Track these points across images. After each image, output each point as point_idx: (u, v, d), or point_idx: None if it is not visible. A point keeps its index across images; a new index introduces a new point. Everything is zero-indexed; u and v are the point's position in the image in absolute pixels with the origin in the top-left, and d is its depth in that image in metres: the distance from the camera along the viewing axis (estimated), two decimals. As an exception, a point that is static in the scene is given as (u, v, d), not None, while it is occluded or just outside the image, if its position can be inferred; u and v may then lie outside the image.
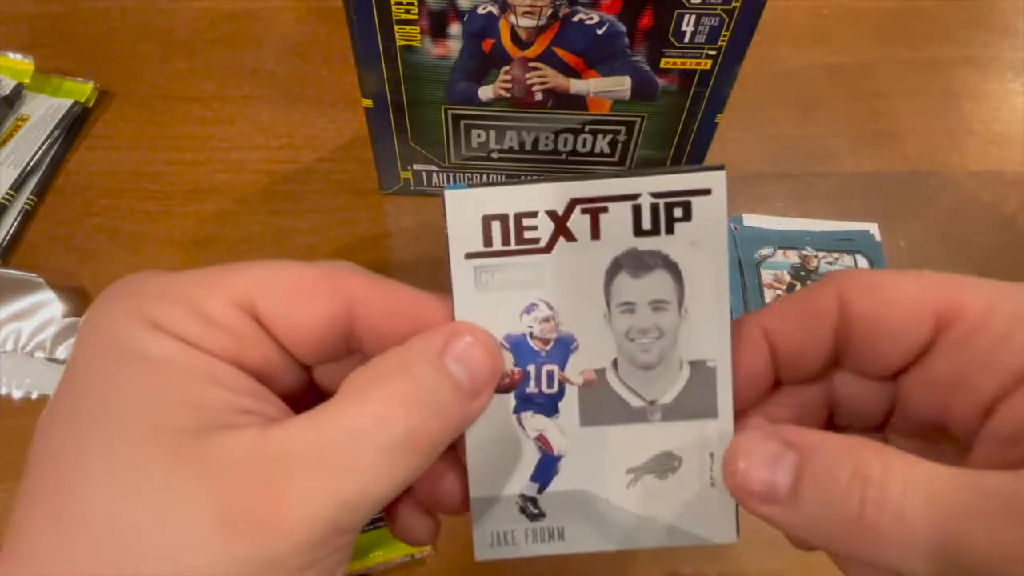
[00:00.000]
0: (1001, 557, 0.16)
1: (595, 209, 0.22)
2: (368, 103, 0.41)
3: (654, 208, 0.22)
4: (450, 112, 0.41)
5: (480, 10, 0.36)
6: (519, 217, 0.22)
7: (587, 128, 0.42)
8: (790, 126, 0.53)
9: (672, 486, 0.23)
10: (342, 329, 0.21)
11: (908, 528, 0.17)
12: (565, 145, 0.43)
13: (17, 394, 0.40)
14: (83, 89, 0.51)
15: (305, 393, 0.23)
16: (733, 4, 0.35)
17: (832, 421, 0.25)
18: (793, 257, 0.45)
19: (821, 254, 0.45)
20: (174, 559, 0.17)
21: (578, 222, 0.22)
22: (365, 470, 0.18)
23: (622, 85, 0.39)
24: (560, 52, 0.38)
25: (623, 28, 0.36)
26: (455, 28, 0.37)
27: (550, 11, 0.36)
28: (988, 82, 0.56)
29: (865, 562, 0.19)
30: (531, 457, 0.23)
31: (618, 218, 0.22)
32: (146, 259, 0.45)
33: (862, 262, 0.45)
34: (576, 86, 0.39)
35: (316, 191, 0.48)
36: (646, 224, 0.22)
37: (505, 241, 0.22)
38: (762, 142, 0.52)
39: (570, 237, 0.22)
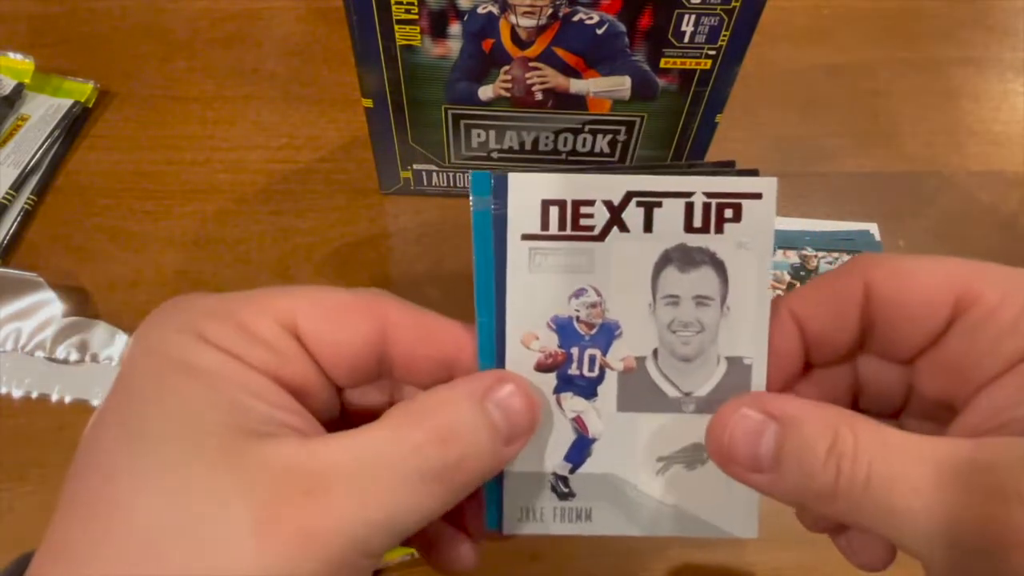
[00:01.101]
0: (977, 528, 0.18)
1: (650, 203, 0.23)
2: (368, 103, 0.41)
3: (706, 207, 0.23)
4: (450, 112, 0.41)
5: (480, 10, 0.36)
6: (576, 204, 0.23)
7: (587, 128, 0.42)
8: (790, 126, 0.53)
9: (699, 477, 0.24)
10: (376, 351, 0.22)
11: (878, 500, 0.19)
12: (565, 145, 0.43)
13: (17, 393, 0.40)
14: (83, 89, 0.51)
15: (335, 416, 0.24)
16: (733, 4, 0.35)
17: (857, 406, 0.25)
18: (793, 257, 0.45)
19: (821, 254, 0.46)
20: (210, 557, 0.18)
21: (632, 214, 0.23)
22: (397, 494, 0.19)
23: (622, 85, 0.39)
24: (560, 52, 0.38)
25: (623, 28, 0.36)
26: (455, 28, 0.37)
27: (550, 11, 0.36)
28: (988, 82, 0.56)
29: (848, 524, 0.20)
30: (566, 437, 0.24)
31: (671, 213, 0.23)
32: (146, 259, 0.45)
33: (862, 262, 0.45)
34: (576, 86, 0.39)
35: (316, 191, 0.48)
36: (697, 222, 0.23)
37: (561, 226, 0.23)
38: (762, 142, 0.52)
39: (623, 228, 0.23)
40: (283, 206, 0.48)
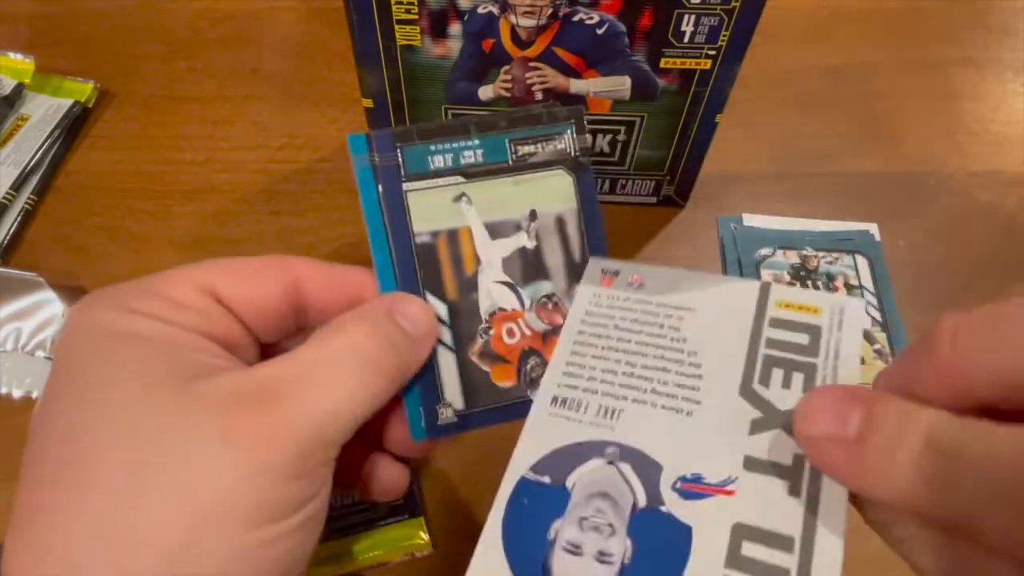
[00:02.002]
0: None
1: None
2: (368, 103, 0.41)
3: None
4: (450, 112, 0.41)
5: (480, 10, 0.36)
6: None
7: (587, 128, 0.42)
8: (790, 126, 0.53)
9: None
10: (291, 302, 0.24)
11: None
12: (565, 145, 0.43)
13: (17, 393, 0.40)
14: (83, 89, 0.51)
15: None
16: (733, 4, 0.35)
17: None
18: (793, 257, 0.45)
19: (821, 254, 0.46)
20: (186, 474, 0.19)
21: None
22: (344, 385, 0.22)
23: (622, 85, 0.39)
24: (560, 52, 0.38)
25: (623, 28, 0.36)
26: (455, 28, 0.37)
27: (550, 11, 0.36)
28: (988, 82, 0.56)
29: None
30: None
31: None
32: (146, 259, 0.45)
33: (862, 262, 0.45)
34: (576, 86, 0.39)
35: (316, 191, 0.48)
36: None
37: None
38: (762, 142, 0.52)
39: None
40: (283, 206, 0.48)
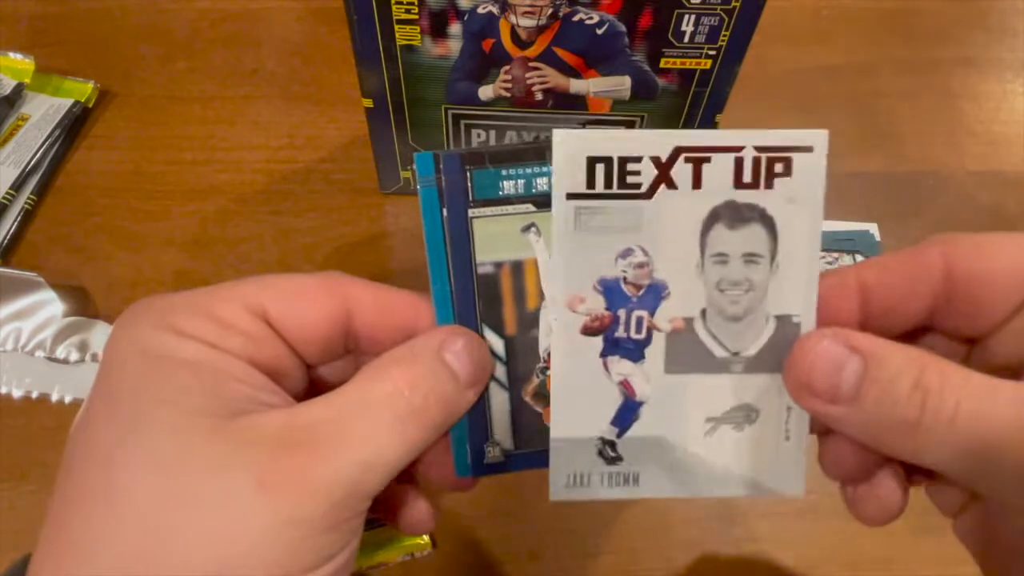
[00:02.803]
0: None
1: (698, 159, 0.22)
2: (368, 103, 0.41)
3: (756, 161, 0.22)
4: (450, 112, 0.41)
5: (480, 10, 0.36)
6: (623, 161, 0.22)
7: (587, 128, 0.42)
8: (790, 126, 0.53)
9: (748, 438, 0.24)
10: (341, 326, 0.23)
11: (957, 435, 0.20)
12: (565, 145, 0.43)
13: (17, 393, 0.40)
14: (83, 89, 0.51)
15: (307, 394, 0.24)
16: (733, 4, 0.35)
17: None
18: (793, 257, 0.45)
19: (821, 254, 0.46)
20: (218, 521, 0.19)
21: (681, 170, 0.22)
22: (380, 435, 0.21)
23: (622, 85, 0.39)
24: (560, 52, 0.38)
25: (623, 28, 0.36)
26: (455, 28, 0.37)
27: (550, 11, 0.36)
28: (987, 83, 0.56)
29: (907, 460, 0.21)
30: (613, 401, 0.24)
31: (720, 169, 0.22)
32: (146, 259, 0.45)
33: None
34: (576, 86, 0.39)
35: (316, 191, 0.48)
36: (747, 177, 0.22)
37: (607, 184, 0.22)
38: (762, 142, 0.52)
39: (671, 185, 0.22)
40: (283, 206, 0.48)
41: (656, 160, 0.22)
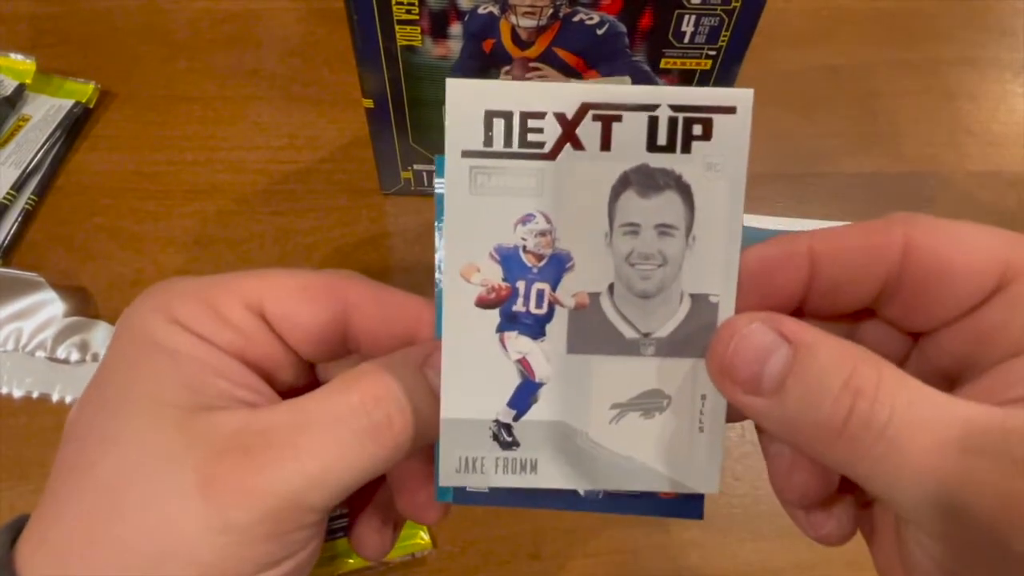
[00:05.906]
0: (998, 501, 0.17)
1: (608, 117, 0.20)
2: (369, 103, 0.41)
3: (672, 122, 0.20)
4: (450, 112, 0.41)
5: (480, 10, 0.36)
6: (525, 117, 0.20)
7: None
8: (789, 126, 0.53)
9: (657, 426, 0.22)
10: (339, 328, 0.23)
11: (892, 449, 0.17)
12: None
13: (18, 393, 0.40)
14: (84, 89, 0.51)
15: (308, 389, 0.24)
16: (733, 4, 0.35)
17: None
18: (793, 257, 0.45)
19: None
20: (160, 509, 0.19)
21: (588, 129, 0.20)
22: (330, 450, 0.20)
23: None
24: (560, 52, 0.38)
25: (623, 28, 0.36)
26: (455, 28, 0.37)
27: (550, 11, 0.36)
28: (986, 83, 0.56)
29: (836, 470, 0.19)
30: (510, 381, 0.22)
31: (632, 129, 0.20)
32: (146, 259, 0.45)
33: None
34: (576, 86, 0.40)
35: (316, 191, 0.49)
36: (662, 139, 0.20)
37: (507, 142, 0.20)
38: (761, 142, 0.51)
39: (577, 145, 0.20)
40: (283, 206, 0.48)
41: (561, 117, 0.20)
